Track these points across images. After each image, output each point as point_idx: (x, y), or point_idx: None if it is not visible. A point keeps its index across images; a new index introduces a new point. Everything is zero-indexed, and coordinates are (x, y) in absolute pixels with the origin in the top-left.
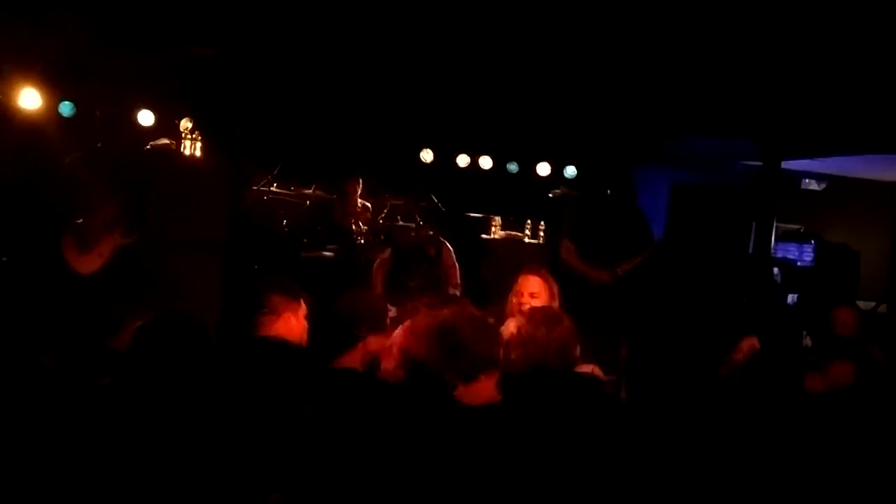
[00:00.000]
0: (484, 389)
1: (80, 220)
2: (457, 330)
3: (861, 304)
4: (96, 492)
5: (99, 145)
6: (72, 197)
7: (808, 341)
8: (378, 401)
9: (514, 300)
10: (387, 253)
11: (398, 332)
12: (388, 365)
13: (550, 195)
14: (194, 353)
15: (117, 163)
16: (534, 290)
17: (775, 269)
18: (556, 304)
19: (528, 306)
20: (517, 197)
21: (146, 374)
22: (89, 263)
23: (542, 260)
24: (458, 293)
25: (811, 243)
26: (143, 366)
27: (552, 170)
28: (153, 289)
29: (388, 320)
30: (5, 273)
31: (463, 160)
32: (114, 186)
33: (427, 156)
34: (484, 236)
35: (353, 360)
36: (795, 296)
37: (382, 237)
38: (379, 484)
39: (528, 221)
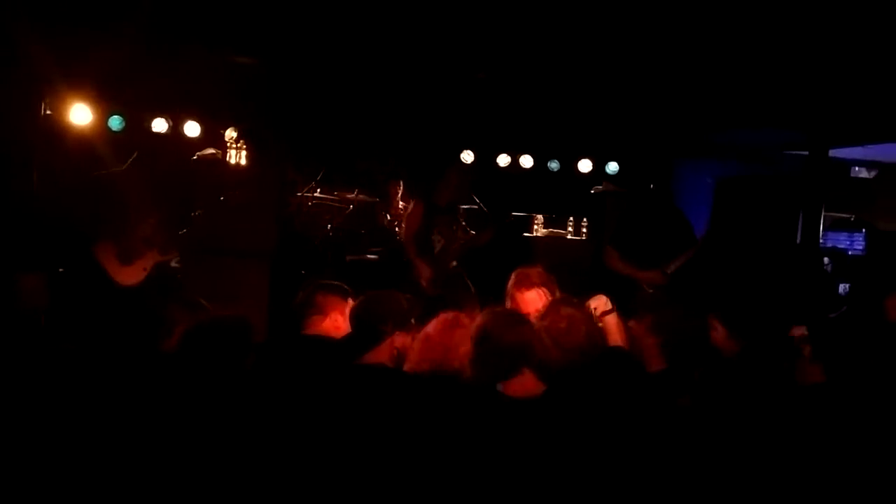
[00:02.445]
0: (526, 383)
1: (120, 235)
2: (490, 331)
3: None
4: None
5: (135, 156)
6: (111, 210)
7: (801, 331)
8: (407, 394)
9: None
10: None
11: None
12: (414, 361)
13: (592, 192)
14: (236, 353)
15: (157, 178)
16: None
17: (826, 259)
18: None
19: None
20: (559, 194)
21: (192, 372)
22: (131, 276)
23: (586, 257)
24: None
25: (862, 232)
26: (189, 364)
27: (594, 166)
28: (203, 296)
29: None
30: (63, 283)
31: (503, 160)
32: (153, 202)
33: (468, 157)
34: (527, 234)
35: (380, 356)
36: (847, 285)
37: None
38: (407, 475)
39: (571, 219)
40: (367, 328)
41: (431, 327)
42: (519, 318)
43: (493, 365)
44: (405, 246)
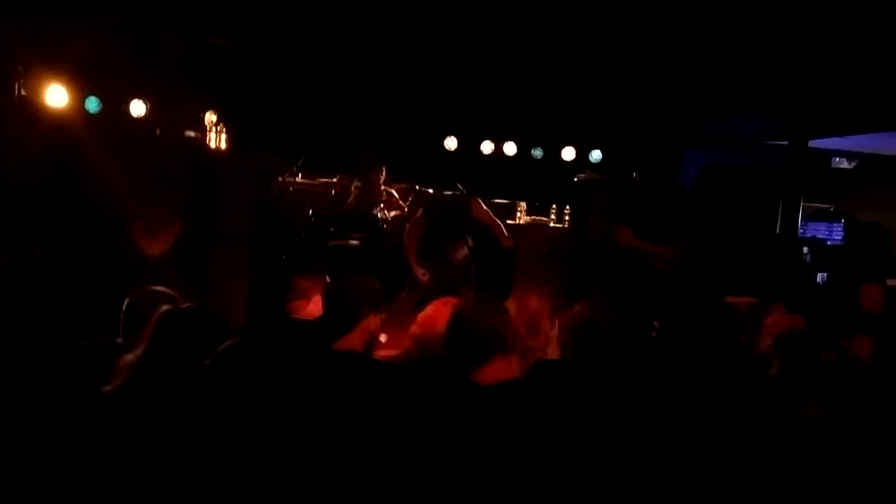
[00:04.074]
0: (499, 370)
1: (146, 210)
2: (465, 317)
3: (891, 282)
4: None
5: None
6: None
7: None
8: (379, 382)
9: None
10: (419, 214)
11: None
12: (392, 347)
13: (576, 180)
14: (209, 341)
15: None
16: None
17: (805, 249)
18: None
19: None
20: (542, 182)
21: (165, 358)
22: (155, 248)
23: (567, 245)
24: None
25: (841, 222)
26: (163, 351)
27: (577, 154)
28: (184, 281)
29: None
30: (38, 265)
31: (487, 147)
32: (176, 181)
33: (451, 143)
34: (510, 222)
35: (354, 339)
36: (825, 275)
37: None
38: (384, 467)
39: (553, 206)
40: (340, 311)
41: (430, 310)
42: (496, 305)
43: (464, 350)
44: (405, 246)
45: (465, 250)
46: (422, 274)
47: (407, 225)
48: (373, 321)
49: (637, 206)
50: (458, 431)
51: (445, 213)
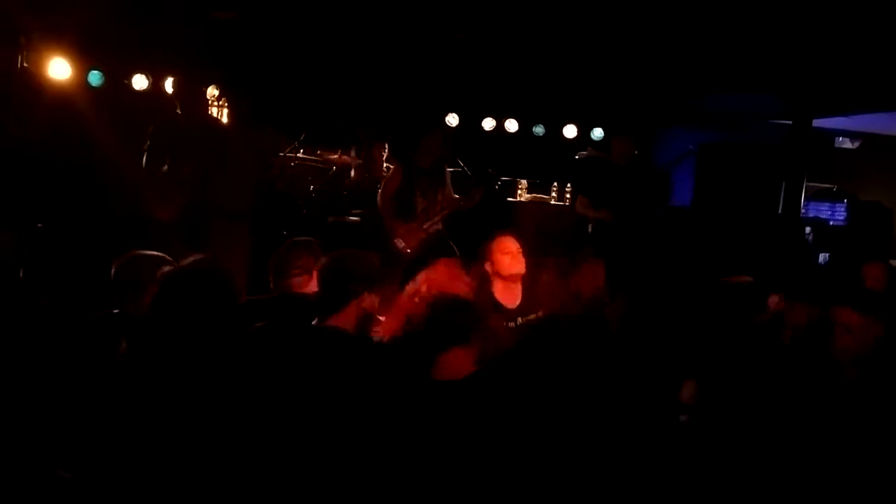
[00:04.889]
0: (458, 362)
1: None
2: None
3: (894, 262)
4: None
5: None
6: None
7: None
8: (363, 361)
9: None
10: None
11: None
12: (386, 325)
13: (577, 157)
14: (219, 302)
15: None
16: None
17: (807, 229)
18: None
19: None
20: (543, 159)
21: (170, 325)
22: (166, 213)
23: (569, 223)
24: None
25: (843, 202)
26: (168, 315)
27: (579, 132)
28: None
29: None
30: (42, 239)
31: (489, 123)
32: (189, 150)
33: (453, 120)
34: (510, 199)
35: (347, 317)
36: (827, 255)
37: None
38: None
39: (555, 184)
40: (335, 287)
41: (427, 275)
42: (462, 304)
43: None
44: (380, 209)
45: (443, 198)
46: (402, 246)
47: (379, 189)
48: (367, 300)
49: (591, 176)
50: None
51: (415, 152)
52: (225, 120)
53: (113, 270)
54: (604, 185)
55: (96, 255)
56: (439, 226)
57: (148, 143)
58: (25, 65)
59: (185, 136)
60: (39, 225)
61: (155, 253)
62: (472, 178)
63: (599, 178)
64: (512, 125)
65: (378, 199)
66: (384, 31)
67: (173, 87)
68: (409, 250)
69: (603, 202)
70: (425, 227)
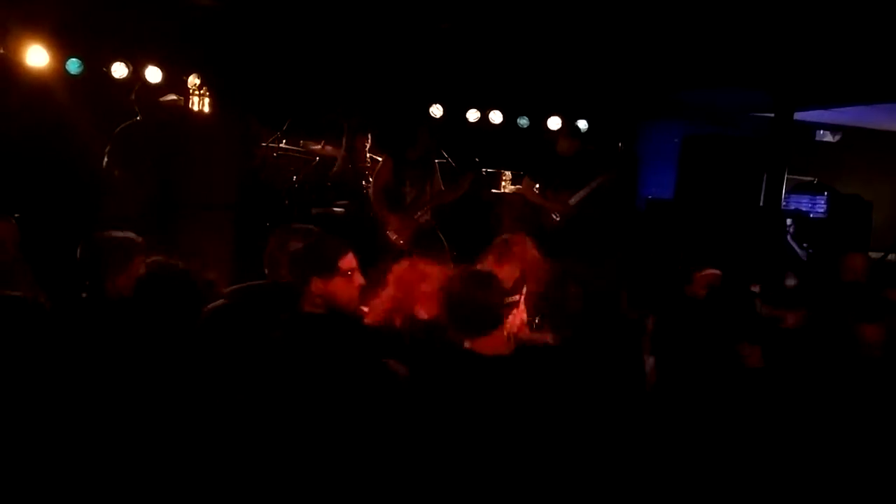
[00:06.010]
0: (494, 342)
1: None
2: (461, 291)
3: (873, 254)
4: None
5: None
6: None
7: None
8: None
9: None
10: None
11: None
12: (376, 307)
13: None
14: (183, 302)
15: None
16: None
17: (788, 221)
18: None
19: None
20: (527, 151)
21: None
22: (128, 210)
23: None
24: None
25: (824, 195)
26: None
27: (563, 124)
28: (165, 246)
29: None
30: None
31: (473, 115)
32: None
33: (437, 111)
34: (494, 191)
35: (306, 303)
36: (808, 247)
37: None
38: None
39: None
40: (295, 276)
41: (395, 273)
42: (488, 278)
43: (464, 323)
44: (373, 201)
45: (431, 189)
46: (395, 237)
47: (372, 179)
48: (316, 285)
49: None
50: (455, 402)
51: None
52: (206, 109)
53: (79, 251)
54: (551, 174)
55: (75, 244)
56: (428, 216)
57: (109, 146)
58: (2, 51)
59: (145, 140)
60: (17, 215)
61: (120, 234)
62: (457, 169)
63: (547, 167)
64: (496, 116)
65: (370, 191)
66: (368, 21)
67: (135, 94)
68: (402, 241)
69: (552, 191)
70: (416, 217)
